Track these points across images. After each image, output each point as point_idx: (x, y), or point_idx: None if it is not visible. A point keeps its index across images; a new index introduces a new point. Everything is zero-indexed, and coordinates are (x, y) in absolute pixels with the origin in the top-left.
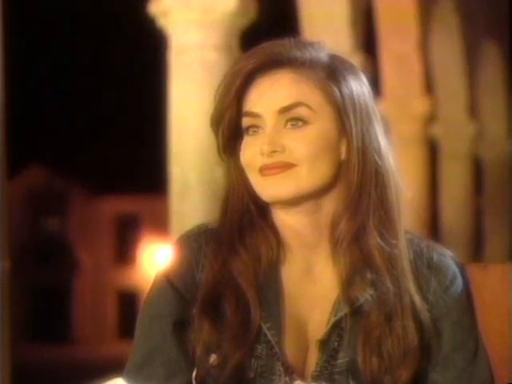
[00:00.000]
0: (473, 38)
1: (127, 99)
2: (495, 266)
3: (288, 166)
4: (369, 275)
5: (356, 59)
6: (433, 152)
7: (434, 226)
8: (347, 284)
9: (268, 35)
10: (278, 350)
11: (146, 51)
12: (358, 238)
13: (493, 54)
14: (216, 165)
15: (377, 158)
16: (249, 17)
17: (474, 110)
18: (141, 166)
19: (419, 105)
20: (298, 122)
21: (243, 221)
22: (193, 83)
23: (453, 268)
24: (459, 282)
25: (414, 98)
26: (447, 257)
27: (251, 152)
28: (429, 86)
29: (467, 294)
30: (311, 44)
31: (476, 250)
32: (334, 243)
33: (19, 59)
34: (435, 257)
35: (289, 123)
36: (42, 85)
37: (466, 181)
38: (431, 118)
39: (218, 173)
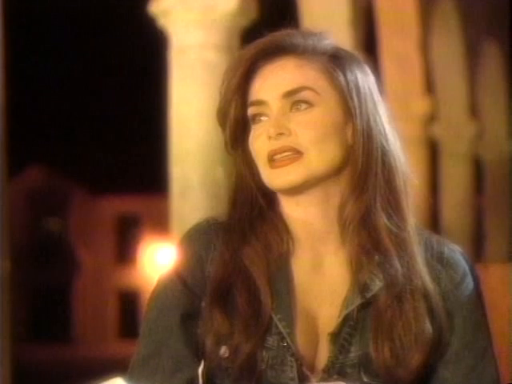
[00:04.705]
0: (473, 38)
1: (127, 99)
2: (495, 265)
3: (295, 158)
4: (377, 257)
5: None
6: (433, 152)
7: (434, 226)
8: (356, 267)
9: (268, 35)
10: (289, 342)
11: (147, 51)
12: (365, 219)
13: (493, 53)
14: (216, 164)
15: (383, 140)
16: (249, 17)
17: (474, 109)
18: (141, 166)
19: (419, 105)
20: (303, 104)
21: (253, 213)
22: (193, 83)
23: (463, 264)
24: (470, 278)
25: (414, 98)
26: (457, 252)
27: (259, 140)
28: (429, 86)
29: (477, 291)
30: (315, 33)
31: (476, 249)
32: (342, 226)
33: (19, 59)
34: (446, 251)
35: (294, 107)
36: (42, 85)
37: (466, 181)
38: (431, 118)
39: (219, 173)
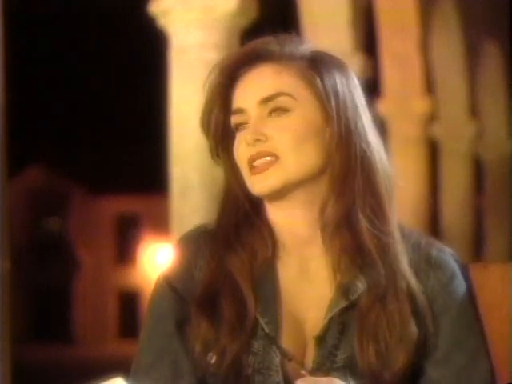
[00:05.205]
0: (473, 38)
1: (127, 99)
2: (495, 265)
3: (272, 162)
4: (359, 260)
5: (356, 59)
6: (433, 152)
7: (434, 226)
8: (338, 270)
9: (269, 35)
10: (275, 345)
11: (147, 51)
12: (346, 222)
13: (493, 53)
14: (216, 165)
15: (363, 143)
16: (249, 16)
17: (474, 109)
18: (141, 166)
19: (419, 105)
20: (280, 110)
21: (239, 219)
22: (193, 83)
23: (452, 265)
24: (459, 279)
25: (414, 98)
26: (446, 253)
27: (240, 147)
28: (429, 86)
29: (468, 292)
30: (292, 39)
31: (476, 249)
32: (322, 228)
33: (19, 59)
34: (434, 252)
35: (273, 113)
36: (41, 85)
37: (467, 180)
38: (432, 118)
39: (219, 173)
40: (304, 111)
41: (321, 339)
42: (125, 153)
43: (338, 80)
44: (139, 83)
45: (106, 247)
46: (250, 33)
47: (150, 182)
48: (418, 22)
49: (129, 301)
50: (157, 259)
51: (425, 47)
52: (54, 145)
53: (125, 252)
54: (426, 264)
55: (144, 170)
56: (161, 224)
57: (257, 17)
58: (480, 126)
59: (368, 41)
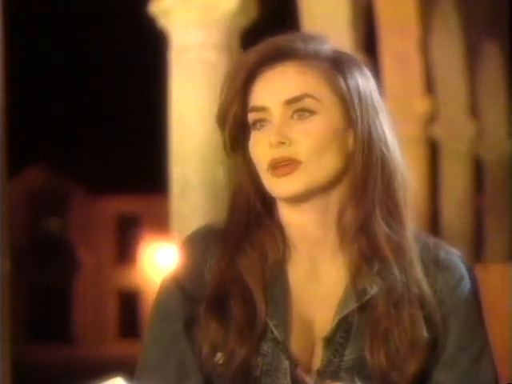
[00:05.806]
0: (473, 38)
1: (127, 99)
2: (495, 265)
3: (295, 166)
4: (376, 265)
5: None
6: (433, 152)
7: (434, 226)
8: (355, 273)
9: (269, 35)
10: (284, 347)
11: (147, 51)
12: (364, 227)
13: (493, 53)
14: (217, 165)
15: (383, 147)
16: (249, 17)
17: (474, 109)
18: (141, 166)
19: (420, 105)
20: (305, 112)
21: (250, 219)
22: (193, 83)
23: (460, 267)
24: (466, 281)
25: (414, 98)
26: (455, 255)
27: (260, 147)
28: (429, 86)
29: (474, 295)
30: (315, 37)
31: (476, 250)
32: (341, 232)
33: (19, 59)
34: (442, 255)
35: (295, 114)
36: (41, 85)
37: (467, 181)
38: (432, 118)
39: (219, 173)
40: (327, 114)
41: (329, 340)
42: (125, 153)
43: (360, 81)
44: (139, 83)
45: (105, 247)
46: (250, 33)
47: (150, 181)
48: (418, 22)
49: (129, 301)
50: (157, 259)
51: (425, 47)
52: (54, 145)
53: (125, 252)
54: (434, 266)
55: (144, 170)
56: (161, 224)
57: (257, 17)
58: (480, 126)
59: (368, 41)
